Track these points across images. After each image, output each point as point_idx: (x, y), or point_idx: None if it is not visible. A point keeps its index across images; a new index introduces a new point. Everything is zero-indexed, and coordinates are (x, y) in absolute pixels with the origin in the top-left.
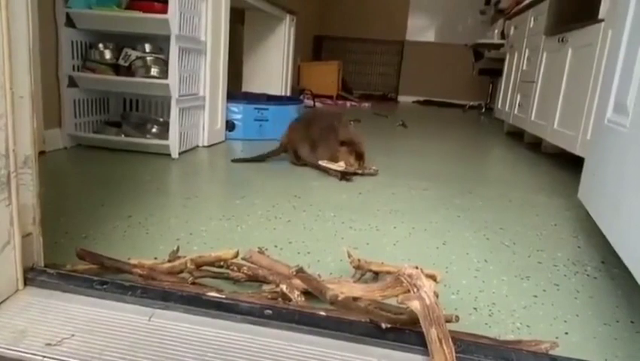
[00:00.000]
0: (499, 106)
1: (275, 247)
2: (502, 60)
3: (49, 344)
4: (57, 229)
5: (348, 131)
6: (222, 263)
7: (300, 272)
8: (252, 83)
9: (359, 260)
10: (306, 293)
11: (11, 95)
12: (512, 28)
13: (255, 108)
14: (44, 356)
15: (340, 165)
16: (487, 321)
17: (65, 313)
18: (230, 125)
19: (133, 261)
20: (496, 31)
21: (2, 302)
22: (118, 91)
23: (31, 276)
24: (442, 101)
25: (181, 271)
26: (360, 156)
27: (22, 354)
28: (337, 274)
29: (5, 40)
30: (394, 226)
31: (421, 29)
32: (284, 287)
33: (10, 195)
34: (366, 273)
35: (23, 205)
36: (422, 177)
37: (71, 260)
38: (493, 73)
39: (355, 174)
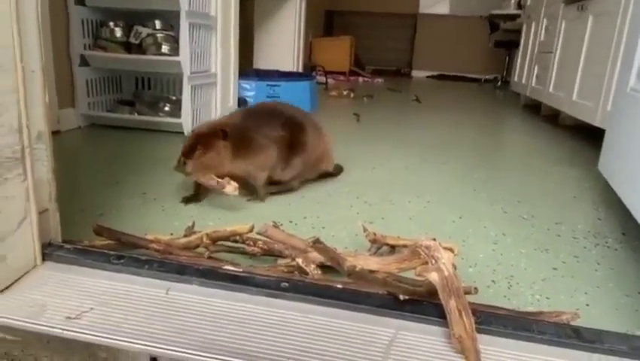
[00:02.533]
0: (516, 79)
1: (290, 222)
2: (519, 31)
3: (69, 318)
4: (73, 206)
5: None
6: (238, 238)
7: (316, 243)
8: (264, 60)
9: (375, 234)
10: (322, 267)
11: (22, 70)
12: None
13: (267, 85)
14: (64, 330)
15: None
16: (506, 293)
17: (83, 287)
18: (242, 103)
19: (150, 236)
20: (512, 1)
21: (21, 277)
22: (130, 69)
23: (48, 251)
24: (457, 75)
25: (197, 246)
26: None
27: (43, 328)
28: (353, 248)
29: (14, 15)
30: (409, 200)
31: (434, 1)
32: (300, 261)
33: (25, 170)
34: (382, 247)
35: (39, 181)
36: (437, 152)
37: (87, 237)
38: (509, 45)
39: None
